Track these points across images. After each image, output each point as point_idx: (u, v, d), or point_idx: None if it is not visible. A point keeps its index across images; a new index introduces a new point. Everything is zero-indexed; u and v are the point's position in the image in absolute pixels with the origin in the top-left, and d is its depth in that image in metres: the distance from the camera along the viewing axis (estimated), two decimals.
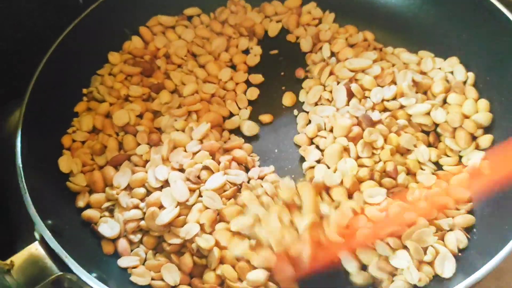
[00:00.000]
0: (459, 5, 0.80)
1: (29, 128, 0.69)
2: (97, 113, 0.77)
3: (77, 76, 0.80)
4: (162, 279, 0.63)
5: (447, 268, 0.61)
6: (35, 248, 0.59)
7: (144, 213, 0.66)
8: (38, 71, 0.73)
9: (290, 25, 0.89)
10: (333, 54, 0.84)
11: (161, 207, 0.66)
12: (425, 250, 0.62)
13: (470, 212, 0.66)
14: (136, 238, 0.67)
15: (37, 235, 0.60)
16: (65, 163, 0.72)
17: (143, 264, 0.65)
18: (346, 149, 0.71)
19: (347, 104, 0.76)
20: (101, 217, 0.68)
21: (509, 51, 0.72)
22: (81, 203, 0.69)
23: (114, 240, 0.67)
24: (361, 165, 0.69)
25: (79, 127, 0.76)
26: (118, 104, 0.78)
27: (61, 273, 0.57)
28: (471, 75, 0.77)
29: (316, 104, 0.78)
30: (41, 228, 0.60)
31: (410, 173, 0.70)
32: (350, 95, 0.76)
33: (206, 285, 0.62)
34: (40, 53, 0.75)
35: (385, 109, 0.76)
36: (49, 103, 0.74)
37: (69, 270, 0.57)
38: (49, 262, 0.58)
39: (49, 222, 0.62)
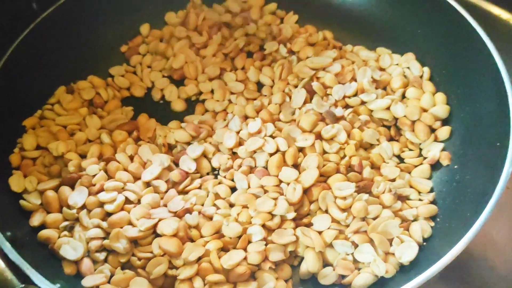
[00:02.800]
0: (414, 3, 0.82)
1: None
2: (48, 130, 0.75)
3: (31, 87, 0.77)
4: None
5: (406, 253, 0.62)
6: None
7: (107, 232, 0.64)
8: None
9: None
10: (293, 53, 0.85)
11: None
12: (391, 241, 0.63)
13: (433, 202, 0.68)
14: (101, 256, 0.64)
15: None
16: (16, 182, 0.68)
17: (109, 281, 0.61)
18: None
19: (309, 102, 0.77)
20: (59, 237, 0.65)
21: (463, 45, 0.74)
22: (35, 222, 0.66)
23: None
24: (327, 160, 0.70)
25: (23, 145, 0.73)
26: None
27: (23, 285, 0.55)
28: (426, 69, 0.79)
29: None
30: (0, 240, 0.57)
31: (374, 166, 0.71)
32: (312, 93, 0.77)
33: None
34: None
35: (346, 106, 0.77)
36: (1, 114, 0.72)
37: (31, 282, 0.55)
38: (9, 274, 0.56)
39: (8, 233, 0.59)
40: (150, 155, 0.73)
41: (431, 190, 0.69)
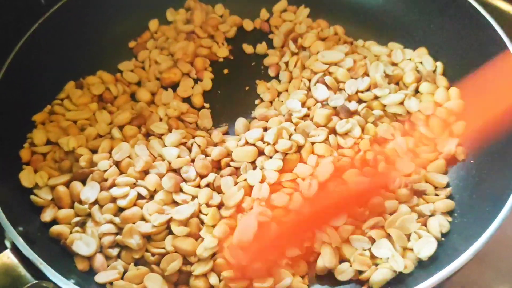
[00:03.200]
0: None
1: None
2: (58, 125, 0.74)
3: (40, 82, 0.76)
4: None
5: (425, 248, 0.61)
6: (7, 257, 0.56)
7: (120, 228, 0.63)
8: None
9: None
10: (304, 49, 0.84)
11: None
12: (408, 237, 0.63)
13: (450, 196, 0.67)
14: (114, 251, 0.63)
15: (8, 243, 0.57)
16: (26, 178, 0.67)
17: (122, 278, 0.61)
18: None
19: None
20: (71, 232, 0.64)
21: (476, 39, 0.74)
22: (47, 217, 0.65)
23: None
24: (341, 155, 0.69)
25: (33, 140, 0.72)
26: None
27: (36, 281, 0.54)
28: (439, 64, 0.78)
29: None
30: (12, 235, 0.56)
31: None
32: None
33: None
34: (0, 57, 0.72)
35: (359, 101, 0.76)
36: (11, 110, 0.70)
37: (45, 278, 0.54)
38: (22, 270, 0.55)
39: (20, 229, 0.58)
40: (161, 149, 0.71)
41: (447, 185, 0.68)
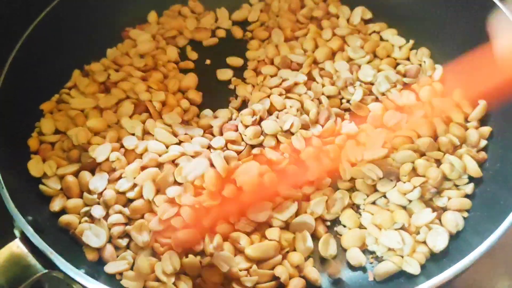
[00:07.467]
0: None
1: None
2: (66, 114, 0.73)
3: (47, 71, 0.75)
4: (157, 279, 0.59)
5: (439, 241, 0.60)
6: (16, 246, 0.54)
7: (129, 218, 0.63)
8: (6, 67, 0.68)
9: None
10: None
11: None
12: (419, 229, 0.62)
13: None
14: (123, 242, 0.63)
15: (17, 232, 0.56)
16: (34, 167, 0.67)
17: (132, 268, 0.61)
18: None
19: None
20: (80, 222, 0.64)
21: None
22: (56, 207, 0.64)
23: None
24: None
25: (41, 129, 0.71)
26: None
27: (46, 271, 0.53)
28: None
29: None
30: (22, 224, 0.56)
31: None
32: None
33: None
34: (7, 47, 0.71)
35: None
36: (19, 99, 0.70)
37: (55, 268, 0.54)
38: (32, 260, 0.54)
39: (30, 218, 0.57)
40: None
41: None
